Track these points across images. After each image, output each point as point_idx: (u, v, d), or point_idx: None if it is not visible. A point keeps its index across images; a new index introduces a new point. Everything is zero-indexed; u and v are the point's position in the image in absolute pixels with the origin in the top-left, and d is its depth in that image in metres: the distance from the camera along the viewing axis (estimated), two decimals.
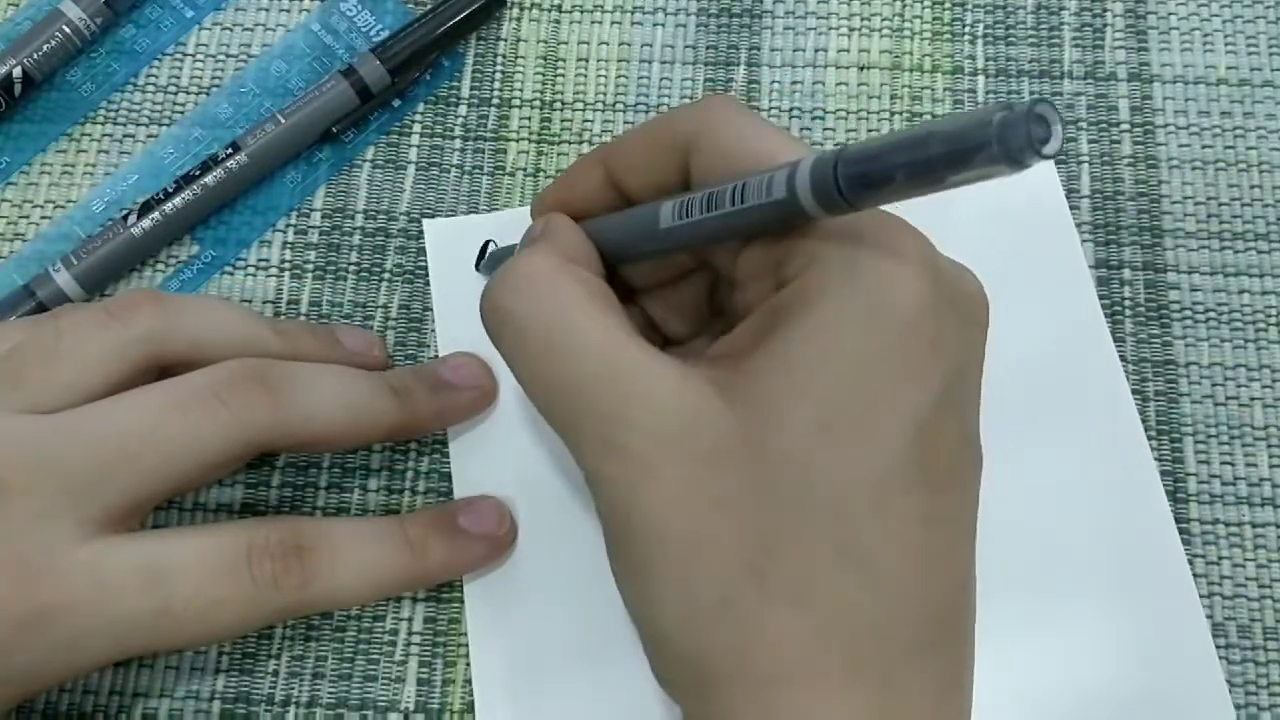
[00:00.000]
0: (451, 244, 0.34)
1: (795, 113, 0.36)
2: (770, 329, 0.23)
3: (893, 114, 0.36)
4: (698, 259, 0.28)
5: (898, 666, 0.22)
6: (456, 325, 0.34)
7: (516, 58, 0.37)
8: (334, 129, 0.35)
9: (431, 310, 0.34)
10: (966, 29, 0.37)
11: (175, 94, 0.36)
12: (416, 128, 0.36)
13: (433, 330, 0.34)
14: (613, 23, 0.37)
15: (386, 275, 0.34)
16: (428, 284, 0.34)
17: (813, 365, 0.22)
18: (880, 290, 0.22)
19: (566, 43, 0.37)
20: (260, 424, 0.28)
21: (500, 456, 0.32)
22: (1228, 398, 0.33)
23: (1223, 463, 0.32)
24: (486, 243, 0.34)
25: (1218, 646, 0.30)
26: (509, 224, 0.34)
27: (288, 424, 0.28)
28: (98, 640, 0.26)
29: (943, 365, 0.23)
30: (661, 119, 0.27)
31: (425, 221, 0.35)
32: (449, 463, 0.32)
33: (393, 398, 0.30)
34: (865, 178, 0.20)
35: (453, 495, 0.32)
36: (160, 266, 0.35)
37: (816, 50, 0.36)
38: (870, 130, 0.35)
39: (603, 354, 0.24)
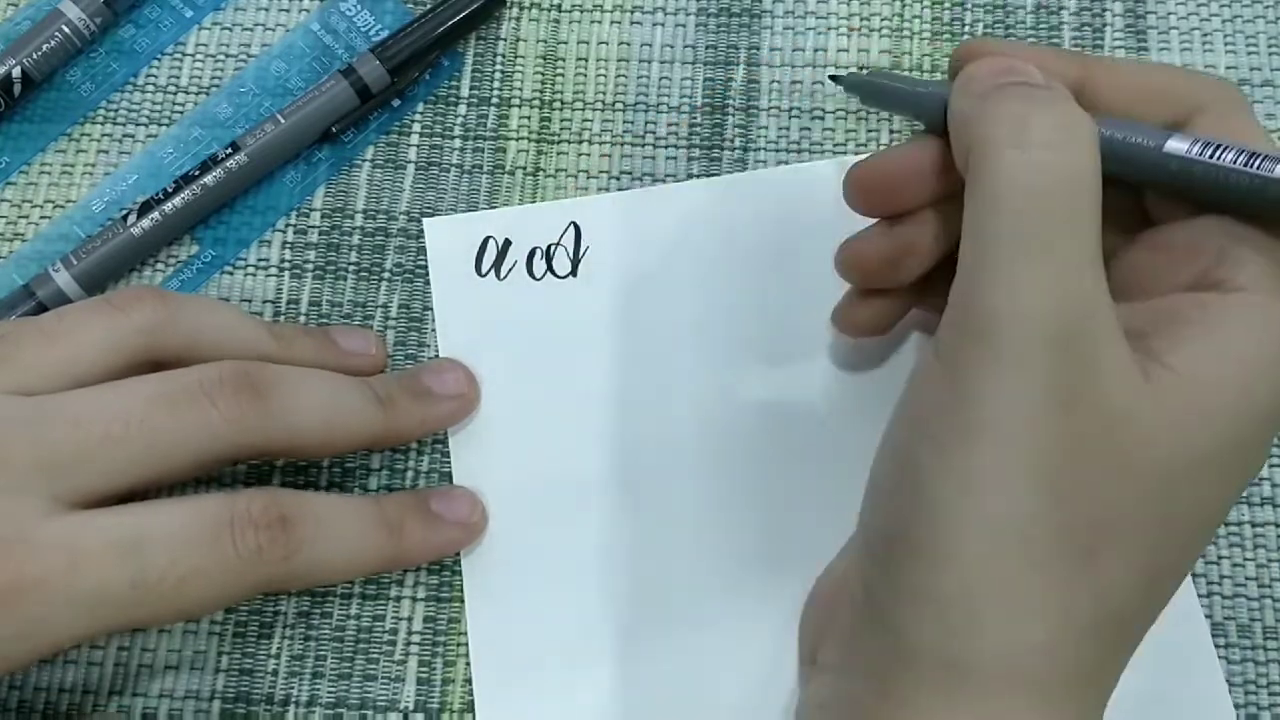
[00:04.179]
0: (452, 242, 0.34)
1: (795, 113, 0.36)
2: (1193, 327, 0.23)
3: (892, 114, 0.36)
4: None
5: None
6: (457, 324, 0.34)
7: (516, 57, 0.37)
8: (334, 129, 0.35)
9: (431, 310, 0.34)
10: (966, 29, 0.37)
11: (175, 94, 0.36)
12: (416, 127, 0.36)
13: (433, 330, 0.34)
14: (612, 22, 0.37)
15: (386, 275, 0.34)
16: (428, 283, 0.34)
17: (1228, 393, 0.23)
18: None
19: (566, 42, 0.37)
20: (248, 428, 0.27)
21: (501, 454, 0.32)
22: None
23: None
24: (486, 239, 0.34)
25: (1217, 646, 0.30)
26: (510, 222, 0.35)
27: (273, 430, 0.28)
28: (70, 614, 0.25)
29: None
30: (1169, 70, 0.27)
31: (425, 220, 0.35)
32: (449, 462, 0.32)
33: (377, 407, 0.30)
34: None
35: None
36: (160, 266, 0.35)
37: (816, 50, 0.36)
38: (869, 131, 0.35)
39: (1096, 265, 0.23)
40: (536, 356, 0.33)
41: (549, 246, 0.34)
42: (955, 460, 0.22)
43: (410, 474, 0.32)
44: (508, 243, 0.34)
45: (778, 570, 0.30)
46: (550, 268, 0.34)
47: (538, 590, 0.31)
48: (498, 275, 0.34)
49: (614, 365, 0.33)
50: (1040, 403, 0.22)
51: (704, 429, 0.32)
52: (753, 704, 0.30)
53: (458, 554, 0.31)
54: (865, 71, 0.28)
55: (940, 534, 0.22)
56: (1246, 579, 0.31)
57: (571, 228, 0.34)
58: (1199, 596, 0.31)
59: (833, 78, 0.30)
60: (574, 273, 0.34)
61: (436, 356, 0.33)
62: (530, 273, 0.34)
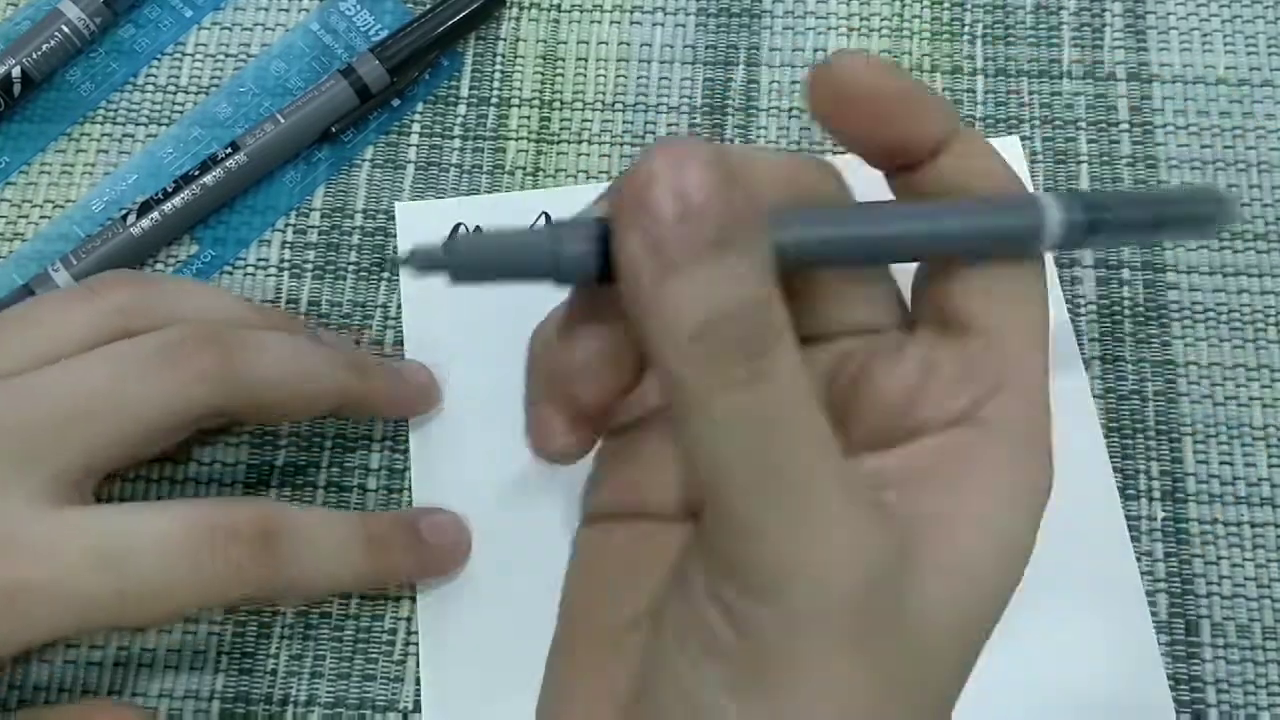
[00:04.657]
0: (422, 228, 0.34)
1: (795, 113, 0.36)
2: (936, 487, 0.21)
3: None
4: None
5: None
6: (422, 311, 0.33)
7: (516, 57, 0.37)
8: (333, 129, 0.35)
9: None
10: (966, 29, 0.37)
11: (175, 94, 0.36)
12: (416, 127, 0.36)
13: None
14: (612, 22, 0.37)
15: (386, 275, 0.34)
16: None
17: (994, 569, 0.21)
18: (1037, 485, 0.21)
19: (566, 42, 0.37)
20: (213, 385, 0.27)
21: (461, 446, 0.32)
22: (1226, 397, 0.33)
23: (1221, 462, 0.32)
24: (457, 226, 0.34)
25: (1216, 646, 0.30)
26: (482, 210, 0.34)
27: (239, 386, 0.28)
28: (54, 619, 0.25)
29: None
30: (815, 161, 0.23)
31: (397, 204, 0.35)
32: (406, 457, 0.32)
33: (346, 369, 0.30)
34: (1101, 224, 0.23)
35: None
36: (160, 266, 0.35)
37: (816, 50, 0.36)
38: None
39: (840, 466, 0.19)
40: (502, 348, 0.32)
41: None
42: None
43: (410, 474, 0.32)
44: (479, 230, 0.34)
45: None
46: None
47: (491, 599, 0.31)
48: None
49: None
50: (852, 656, 0.19)
51: None
52: None
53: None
54: (459, 237, 0.21)
55: None
56: (1245, 579, 0.31)
57: (543, 218, 0.34)
58: (1199, 596, 0.31)
59: (392, 260, 0.23)
60: None
61: (403, 348, 0.33)
62: None
